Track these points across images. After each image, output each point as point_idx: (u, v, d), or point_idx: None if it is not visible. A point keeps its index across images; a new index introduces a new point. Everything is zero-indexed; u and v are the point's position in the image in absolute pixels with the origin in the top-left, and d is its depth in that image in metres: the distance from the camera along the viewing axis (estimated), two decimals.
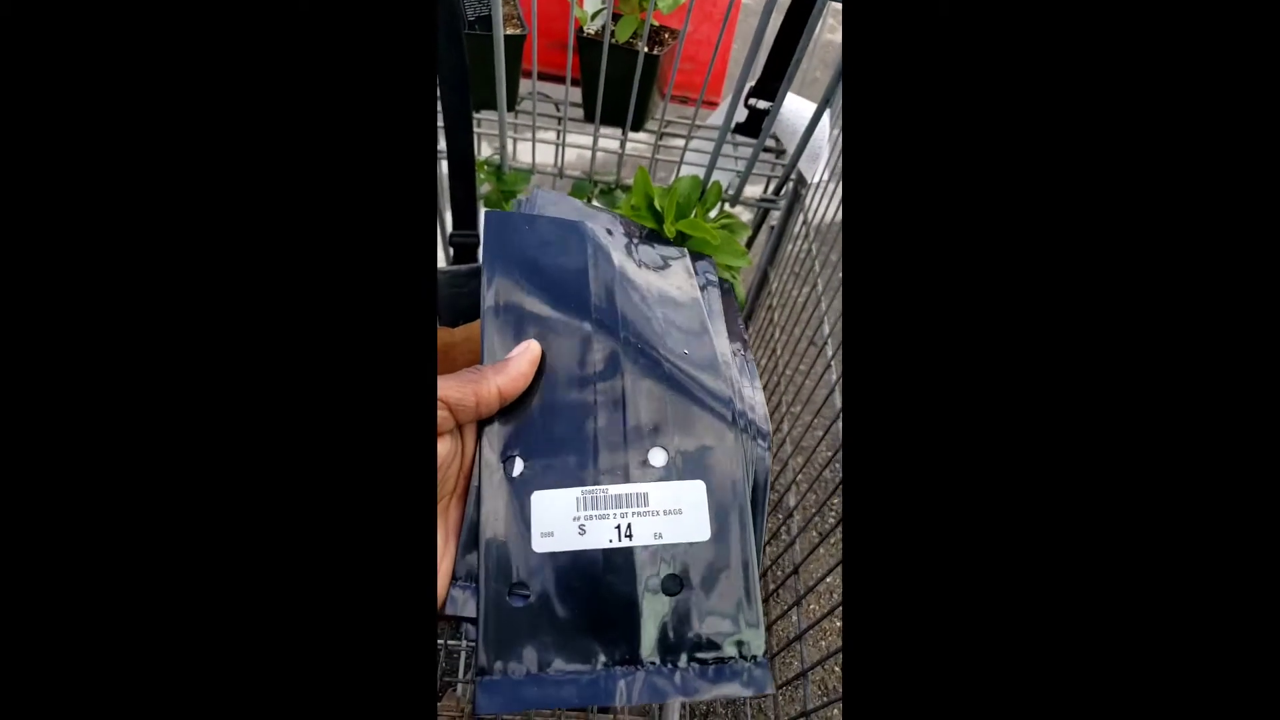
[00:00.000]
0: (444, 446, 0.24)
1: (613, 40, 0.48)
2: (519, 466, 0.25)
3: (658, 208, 0.50)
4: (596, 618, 0.24)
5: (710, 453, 0.26)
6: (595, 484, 0.25)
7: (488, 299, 0.29)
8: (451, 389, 0.24)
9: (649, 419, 0.27)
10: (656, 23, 0.54)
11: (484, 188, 0.57)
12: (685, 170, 0.55)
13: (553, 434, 0.26)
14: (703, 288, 0.35)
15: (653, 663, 0.24)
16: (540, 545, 0.24)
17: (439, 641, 0.61)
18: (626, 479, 0.25)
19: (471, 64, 0.43)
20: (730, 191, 0.56)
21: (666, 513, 0.25)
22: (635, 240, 0.37)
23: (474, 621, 0.24)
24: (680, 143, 0.57)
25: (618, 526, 0.25)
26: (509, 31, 0.50)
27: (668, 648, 0.24)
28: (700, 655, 0.24)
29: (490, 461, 0.25)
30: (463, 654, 0.64)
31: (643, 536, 0.25)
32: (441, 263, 0.67)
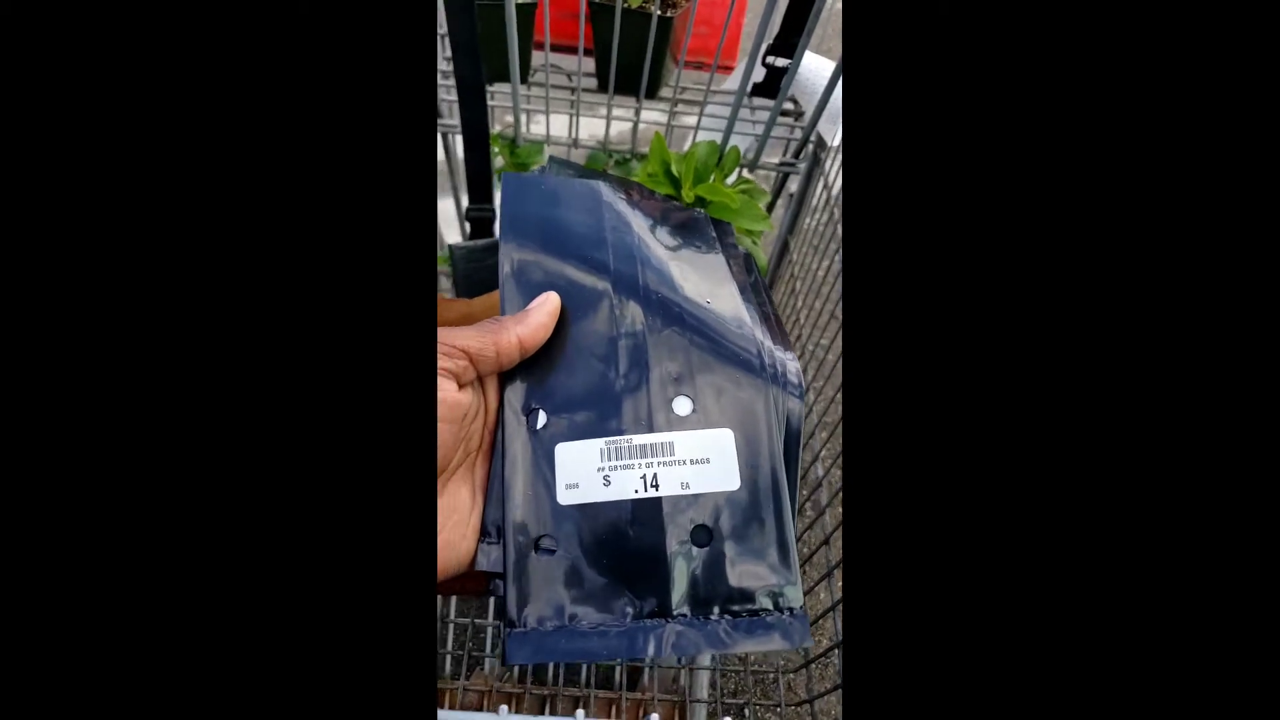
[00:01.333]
0: (466, 399, 0.24)
1: (625, 5, 0.47)
2: (542, 419, 0.25)
3: (675, 173, 0.49)
4: (624, 569, 0.24)
5: (737, 400, 0.26)
6: (619, 434, 0.25)
7: (505, 259, 0.28)
8: (471, 339, 0.24)
9: (672, 368, 0.26)
10: None
11: (497, 161, 0.57)
12: (702, 137, 0.53)
13: (575, 386, 0.26)
14: (724, 253, 0.35)
15: (683, 615, 0.23)
16: (565, 498, 0.24)
17: (466, 620, 0.62)
18: (651, 429, 0.25)
19: (482, 36, 0.43)
20: (749, 156, 0.54)
21: (693, 462, 0.25)
22: (653, 201, 0.37)
23: (502, 576, 0.24)
24: (695, 111, 0.56)
25: (643, 477, 0.24)
26: (519, 0, 0.50)
27: (698, 600, 0.23)
28: (733, 607, 0.23)
29: (513, 416, 0.25)
30: (490, 631, 0.64)
31: (669, 486, 0.24)
32: (458, 238, 0.67)
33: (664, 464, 0.24)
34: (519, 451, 0.25)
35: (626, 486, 0.24)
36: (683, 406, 0.25)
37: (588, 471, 0.24)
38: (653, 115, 0.56)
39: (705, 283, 0.30)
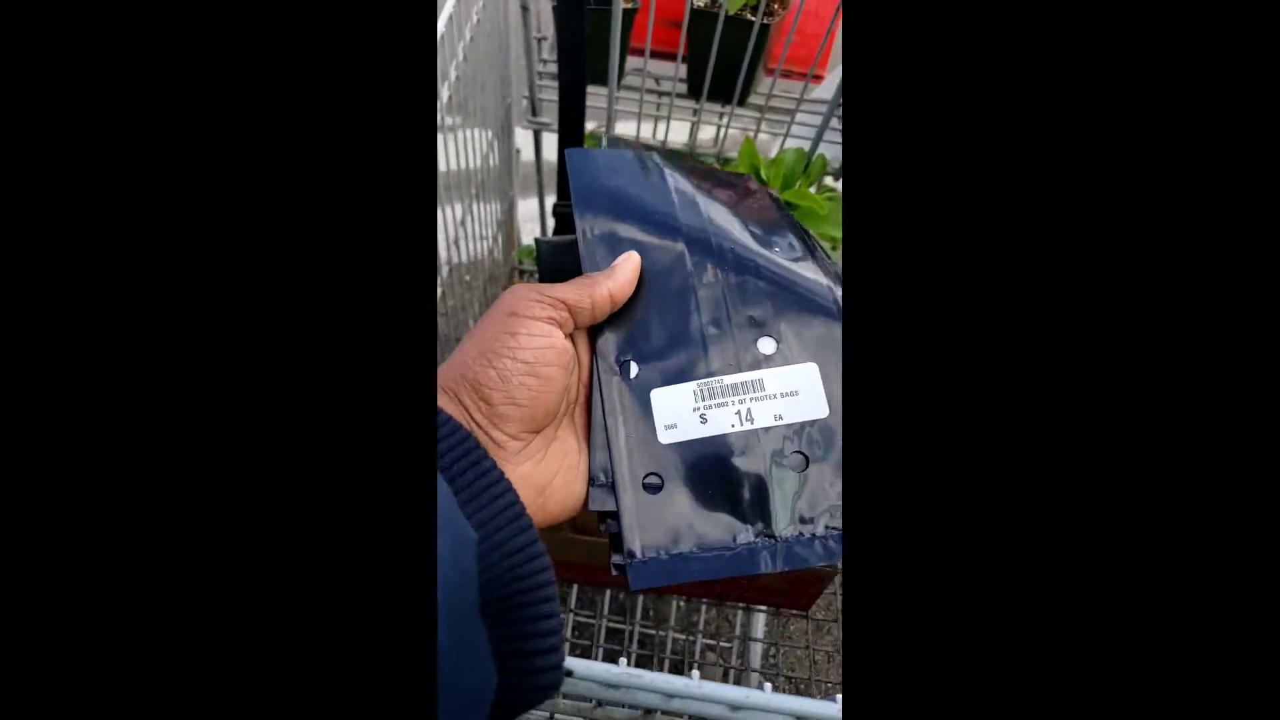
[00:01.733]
0: (569, 352, 0.25)
1: (725, 10, 0.48)
2: (634, 370, 0.27)
3: (763, 178, 0.50)
4: (729, 498, 0.25)
5: (817, 336, 0.27)
6: (709, 377, 0.26)
7: (582, 228, 0.30)
8: (569, 292, 0.25)
9: (753, 312, 0.28)
10: None
11: None
12: (790, 144, 0.54)
13: (662, 336, 0.27)
14: (775, 208, 0.36)
15: (789, 535, 0.24)
16: (666, 437, 0.26)
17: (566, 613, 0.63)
18: (739, 369, 0.26)
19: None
20: (835, 165, 0.55)
21: (783, 395, 0.26)
22: (703, 168, 0.38)
23: (614, 515, 0.25)
24: (781, 119, 0.56)
25: (738, 412, 0.26)
26: (624, 6, 0.52)
27: (802, 520, 0.25)
28: (835, 524, 0.25)
29: (607, 369, 0.27)
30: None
31: (763, 419, 0.26)
32: (538, 234, 0.69)
33: (755, 399, 0.26)
34: (616, 400, 0.26)
35: (723, 422, 0.26)
36: (767, 346, 0.27)
37: (684, 412, 0.26)
38: (738, 124, 0.57)
39: (766, 234, 0.31)
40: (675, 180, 0.33)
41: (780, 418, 0.26)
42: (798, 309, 0.28)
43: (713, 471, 0.25)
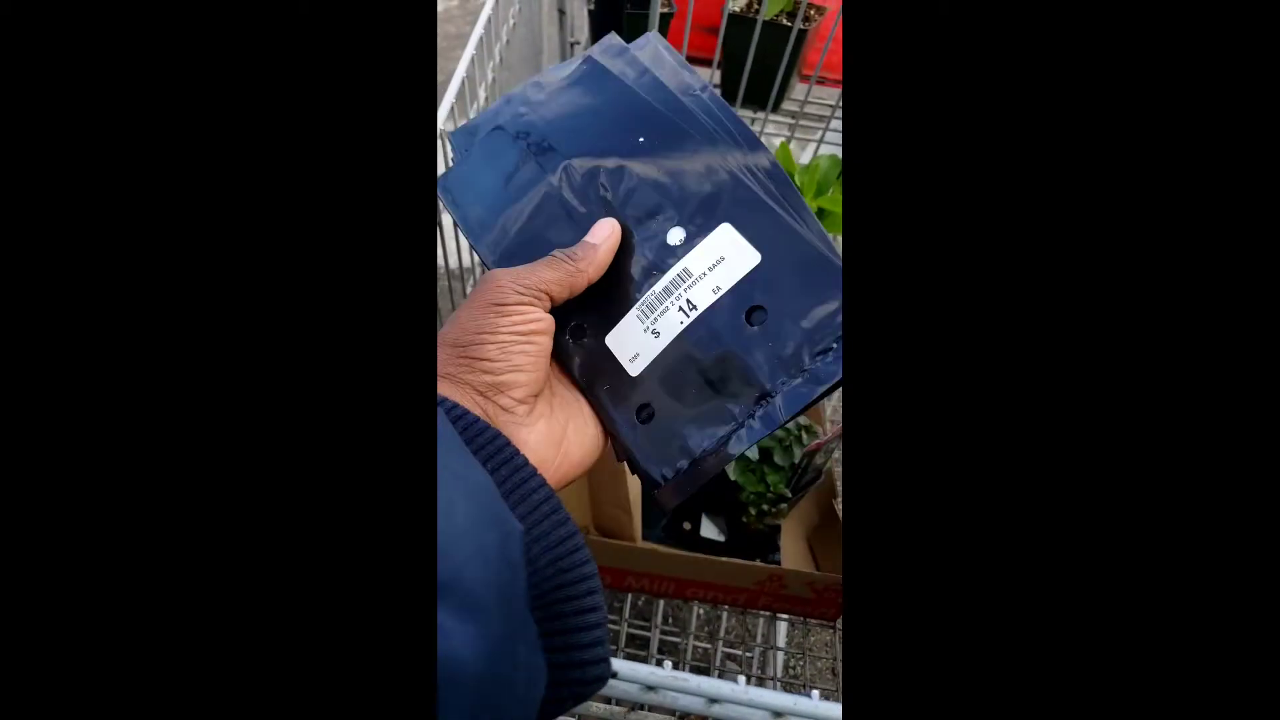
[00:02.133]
0: (552, 321, 0.25)
1: (763, 15, 0.48)
2: (585, 331, 0.28)
3: (797, 184, 0.50)
4: (712, 385, 0.26)
5: (714, 194, 0.27)
6: (641, 295, 0.27)
7: (468, 231, 0.30)
8: (553, 283, 0.25)
9: (648, 211, 0.27)
10: None
11: None
12: (824, 150, 0.54)
13: (592, 288, 0.27)
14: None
15: (782, 383, 0.25)
16: (634, 369, 0.27)
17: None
18: (663, 273, 0.27)
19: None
20: None
21: (711, 269, 0.26)
22: (542, 88, 0.35)
23: (637, 462, 0.26)
24: (816, 124, 0.56)
25: (680, 309, 0.26)
26: (661, 10, 0.52)
27: (787, 363, 0.25)
28: (818, 348, 0.25)
29: (565, 340, 0.27)
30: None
31: (704, 299, 0.26)
32: None
33: (689, 287, 0.26)
34: (585, 366, 0.27)
35: (672, 325, 0.26)
36: (676, 236, 0.27)
37: (638, 338, 0.27)
38: (770, 129, 0.57)
39: (626, 123, 0.30)
40: (526, 126, 0.31)
41: (719, 289, 0.26)
42: (683, 180, 0.27)
43: (689, 373, 0.26)
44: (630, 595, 0.58)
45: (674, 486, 0.26)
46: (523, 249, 0.29)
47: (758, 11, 0.48)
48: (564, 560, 0.20)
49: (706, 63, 0.52)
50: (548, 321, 0.25)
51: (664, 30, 0.53)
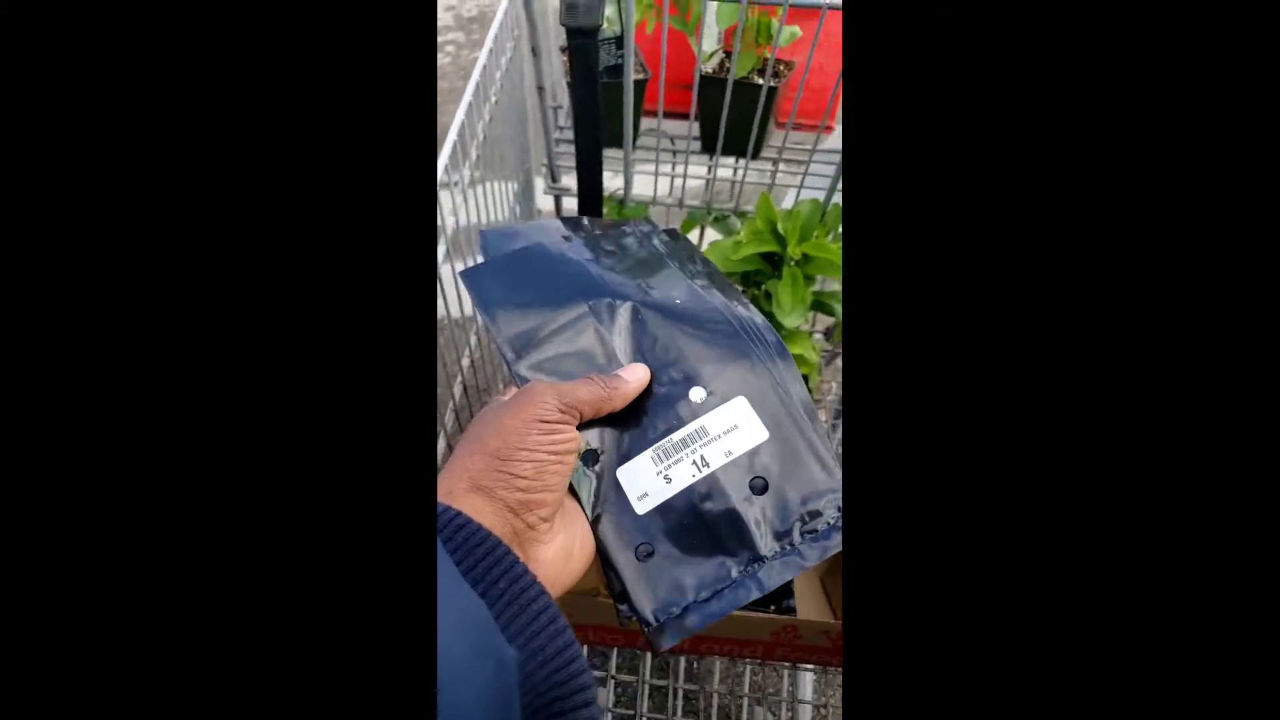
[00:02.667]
0: (580, 438, 0.27)
1: (733, 76, 0.50)
2: (599, 458, 0.29)
3: (780, 231, 0.51)
4: (713, 540, 0.27)
5: (737, 372, 0.30)
6: (660, 440, 0.29)
7: (504, 346, 0.32)
8: (586, 404, 0.27)
9: (675, 371, 0.30)
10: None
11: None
12: (804, 195, 0.55)
13: (611, 418, 0.29)
14: (665, 252, 0.37)
15: (775, 551, 0.27)
16: (641, 508, 0.28)
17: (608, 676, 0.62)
18: (682, 424, 0.29)
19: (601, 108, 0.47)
20: None
21: (725, 433, 0.29)
22: (593, 231, 0.39)
23: (628, 601, 0.27)
24: (795, 168, 0.57)
25: (694, 462, 0.29)
26: (635, 77, 0.54)
27: (780, 535, 0.27)
28: (809, 528, 0.27)
29: (578, 465, 0.29)
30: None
31: (716, 460, 0.28)
32: None
33: (704, 445, 0.29)
34: (594, 491, 0.29)
35: (684, 476, 0.28)
36: (698, 395, 0.30)
37: (649, 479, 0.29)
38: (751, 176, 0.58)
39: (665, 284, 0.34)
40: (566, 261, 0.35)
41: (730, 453, 0.28)
42: (712, 350, 0.31)
43: (691, 523, 0.28)
44: (649, 652, 0.57)
45: (663, 629, 0.26)
46: (547, 360, 0.31)
47: (729, 71, 0.50)
48: (559, 674, 0.20)
49: (684, 116, 0.54)
50: (578, 440, 0.27)
51: (640, 94, 0.55)
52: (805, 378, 0.56)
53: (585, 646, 0.62)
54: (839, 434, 0.72)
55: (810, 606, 0.55)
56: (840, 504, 0.28)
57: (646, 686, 0.57)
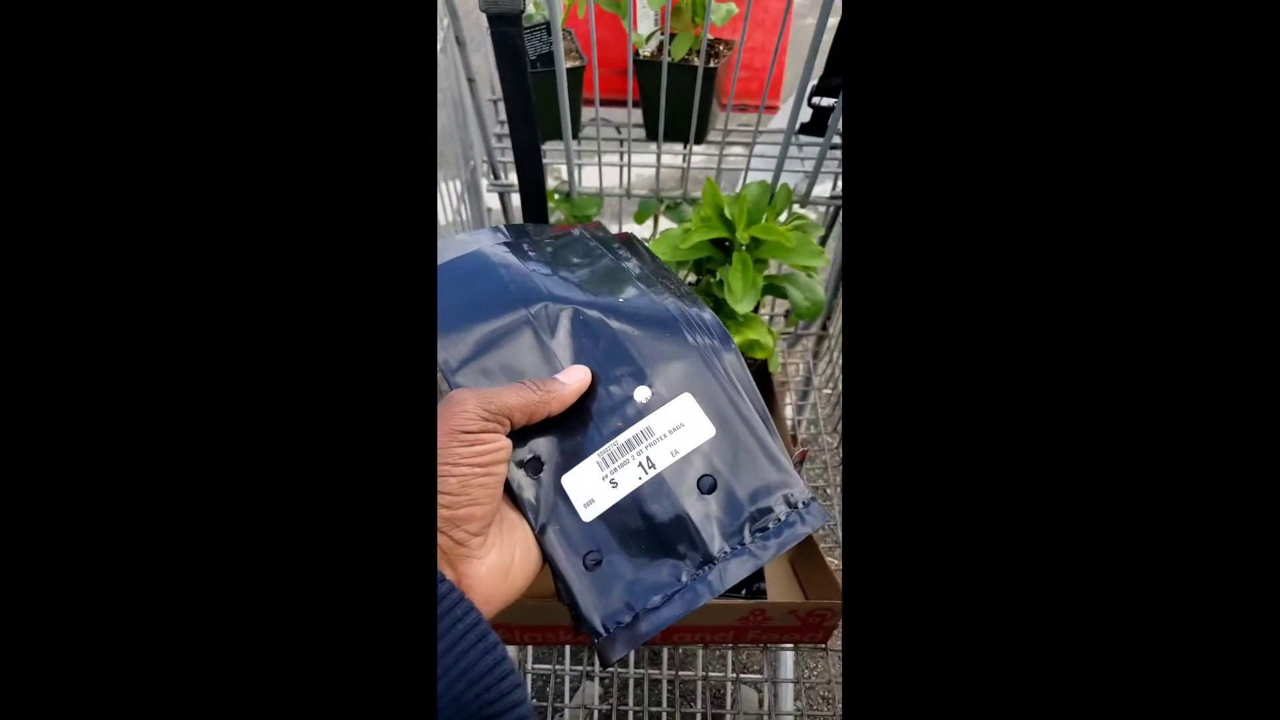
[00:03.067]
0: (510, 445, 0.26)
1: (669, 58, 0.49)
2: (542, 466, 0.29)
3: (728, 216, 0.50)
4: (662, 544, 0.27)
5: (682, 368, 0.29)
6: (605, 443, 0.28)
7: (443, 366, 0.31)
8: (517, 410, 0.26)
9: (618, 370, 0.29)
10: (710, 36, 0.55)
11: (555, 215, 0.59)
12: (752, 176, 0.54)
13: (553, 422, 0.29)
14: (609, 254, 0.37)
15: (725, 551, 0.26)
16: (587, 514, 0.28)
17: (547, 668, 0.62)
18: (627, 425, 0.28)
19: (536, 99, 0.45)
20: (800, 193, 0.55)
21: (672, 432, 0.28)
22: (533, 238, 0.39)
23: (577, 608, 0.26)
24: (743, 150, 0.57)
25: (640, 464, 0.28)
26: (569, 65, 0.52)
27: (730, 534, 0.27)
28: (760, 525, 0.27)
29: (519, 472, 0.28)
30: (567, 679, 0.65)
31: (663, 460, 0.28)
32: None
33: (650, 446, 0.28)
34: (539, 501, 0.28)
35: (630, 479, 0.28)
36: (643, 395, 0.29)
37: (595, 485, 0.28)
38: (700, 160, 0.57)
39: (607, 284, 0.33)
40: (506, 269, 0.34)
41: (676, 453, 0.28)
42: (657, 348, 0.30)
43: (639, 528, 0.27)
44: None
45: (614, 639, 0.26)
46: (485, 369, 0.30)
47: (664, 55, 0.49)
48: (489, 692, 0.20)
49: (621, 103, 0.53)
50: (508, 449, 0.26)
51: (577, 81, 0.54)
52: (765, 362, 0.56)
53: (567, 648, 0.62)
54: (807, 413, 0.73)
55: (780, 588, 0.55)
56: (790, 498, 0.27)
57: (632, 679, 0.57)
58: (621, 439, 0.28)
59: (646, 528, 0.27)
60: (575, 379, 0.28)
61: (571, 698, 0.64)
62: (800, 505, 0.27)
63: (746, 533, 0.27)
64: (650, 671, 0.57)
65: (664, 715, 0.57)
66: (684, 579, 0.26)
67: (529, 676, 0.61)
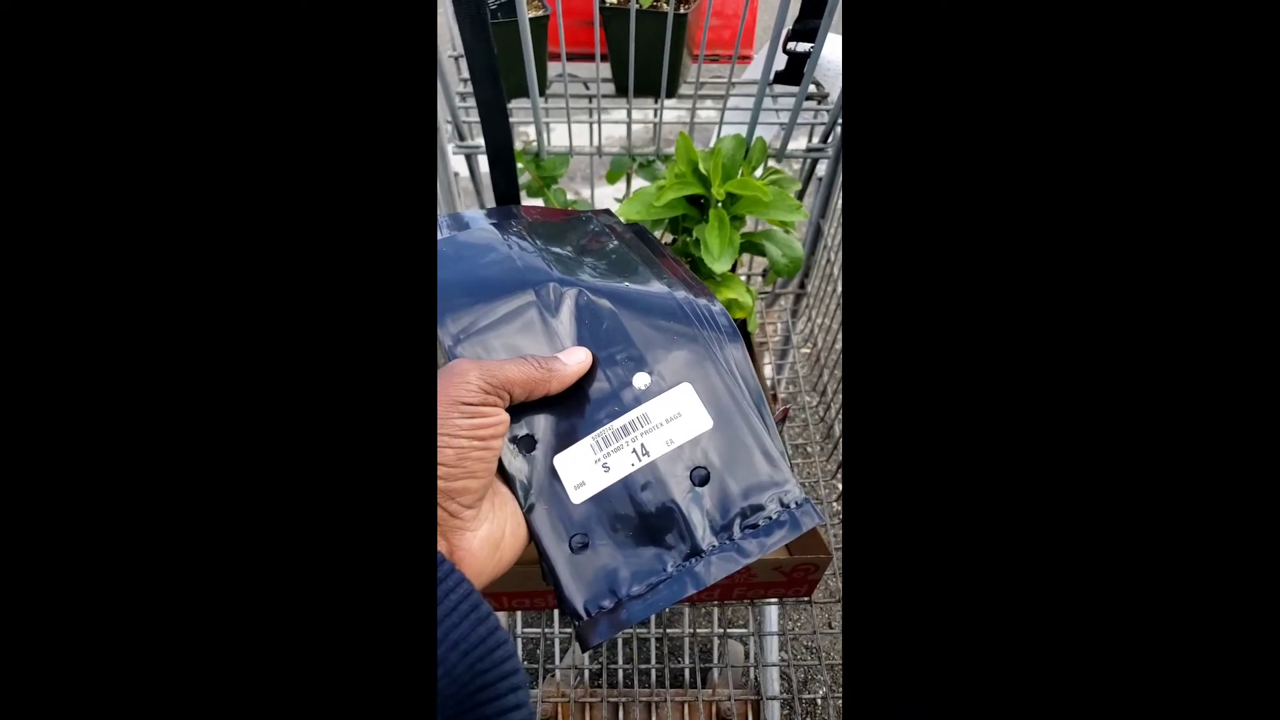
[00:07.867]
0: (508, 419, 0.26)
1: (638, 6, 0.46)
2: (535, 444, 0.28)
3: (703, 171, 0.49)
4: (650, 531, 0.26)
5: (684, 358, 0.29)
6: (600, 427, 0.28)
7: (444, 333, 0.30)
8: (518, 384, 0.26)
9: (620, 353, 0.29)
10: None
11: (524, 176, 0.57)
12: (726, 130, 0.53)
13: (548, 403, 0.28)
14: (617, 239, 0.37)
15: (713, 545, 0.26)
16: (577, 496, 0.27)
17: (536, 631, 0.63)
18: (624, 411, 0.28)
19: (499, 53, 0.43)
20: (775, 146, 0.53)
21: (668, 421, 0.28)
22: (544, 222, 0.39)
23: (559, 589, 0.26)
24: (716, 104, 0.55)
25: (634, 451, 0.27)
26: (532, 14, 0.50)
27: (719, 529, 0.26)
28: (750, 522, 0.26)
29: (510, 449, 0.28)
30: (557, 641, 0.65)
31: (657, 449, 0.27)
32: None
33: (645, 433, 0.28)
34: (529, 478, 0.28)
35: (623, 465, 0.27)
36: (642, 381, 0.29)
37: (588, 467, 0.28)
38: (673, 114, 0.56)
39: (615, 270, 0.33)
40: (517, 249, 0.34)
41: (672, 442, 0.27)
42: (659, 335, 0.29)
43: (628, 513, 0.27)
44: None
45: (595, 624, 0.25)
46: (486, 343, 0.29)
47: (632, 2, 0.46)
48: (483, 662, 0.20)
49: (589, 57, 0.50)
50: (506, 423, 0.25)
51: (541, 34, 0.51)
52: (744, 321, 0.56)
53: (555, 612, 0.63)
54: (786, 372, 0.73)
55: None
56: (783, 498, 0.27)
57: (620, 638, 0.58)
58: (617, 424, 0.28)
59: (635, 515, 0.27)
60: (576, 360, 0.28)
61: (562, 659, 0.65)
62: (792, 505, 0.27)
63: (737, 528, 0.26)
64: (639, 630, 0.58)
65: (653, 671, 0.58)
66: (670, 569, 0.26)
67: (519, 640, 0.62)
